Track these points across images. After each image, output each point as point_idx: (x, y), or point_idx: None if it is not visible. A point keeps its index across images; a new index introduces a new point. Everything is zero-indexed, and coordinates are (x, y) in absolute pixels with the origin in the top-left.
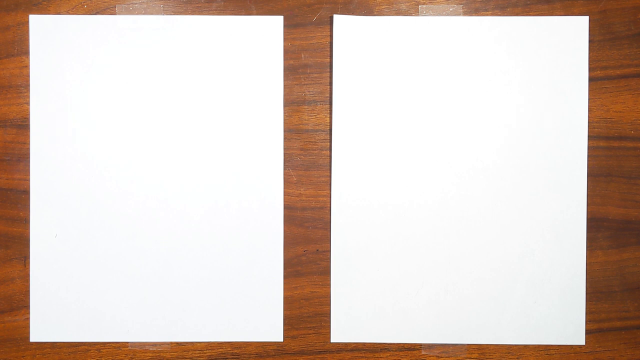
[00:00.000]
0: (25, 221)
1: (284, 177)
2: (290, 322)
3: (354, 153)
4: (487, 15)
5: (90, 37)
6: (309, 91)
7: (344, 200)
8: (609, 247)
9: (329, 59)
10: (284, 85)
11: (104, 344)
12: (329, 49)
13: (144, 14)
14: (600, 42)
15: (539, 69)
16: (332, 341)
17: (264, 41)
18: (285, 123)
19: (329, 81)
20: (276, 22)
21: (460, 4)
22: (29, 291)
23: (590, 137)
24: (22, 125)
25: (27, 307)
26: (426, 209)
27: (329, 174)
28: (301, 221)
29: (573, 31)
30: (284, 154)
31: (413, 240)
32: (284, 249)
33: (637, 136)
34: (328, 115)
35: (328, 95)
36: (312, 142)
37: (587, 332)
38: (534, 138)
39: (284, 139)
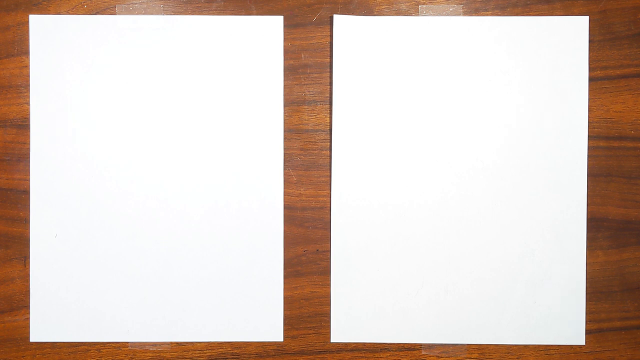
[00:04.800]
0: (25, 221)
1: (284, 177)
2: (290, 322)
3: (354, 153)
4: (487, 15)
5: (90, 37)
6: (309, 91)
7: (344, 200)
8: (609, 247)
9: (329, 59)
10: (284, 85)
11: (104, 344)
12: (329, 49)
13: (144, 14)
14: (600, 42)
15: (539, 69)
16: (332, 341)
17: (264, 41)
18: (285, 123)
19: (329, 81)
20: (276, 22)
21: (460, 4)
22: (29, 291)
23: (590, 137)
24: (22, 125)
25: (27, 307)
26: (426, 209)
27: (329, 174)
28: (301, 221)
29: (573, 31)
30: (284, 154)
31: (413, 240)
32: (284, 249)
33: (637, 136)
34: (328, 115)
35: (328, 95)
36: (312, 142)
37: (587, 332)
38: (534, 138)
39: (284, 139)
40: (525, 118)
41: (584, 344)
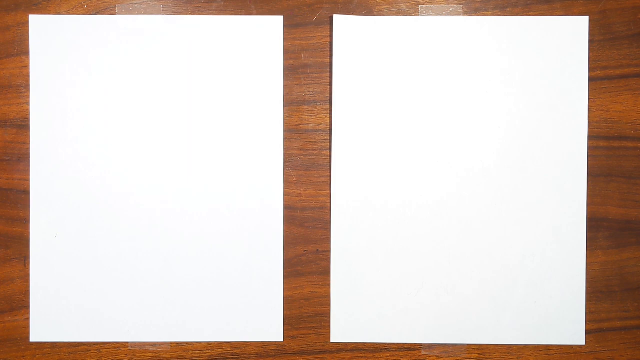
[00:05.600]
0: (25, 221)
1: (284, 177)
2: (290, 322)
3: (354, 153)
4: (487, 15)
5: (90, 37)
6: (309, 91)
7: (344, 200)
8: (609, 247)
9: (329, 59)
10: (284, 85)
11: (104, 344)
12: (329, 49)
13: (144, 14)
14: (600, 42)
15: (539, 69)
16: (332, 341)
17: (264, 41)
18: (285, 123)
19: (329, 81)
20: (276, 22)
21: (460, 4)
22: (29, 291)
23: (590, 137)
24: (22, 125)
25: (27, 307)
26: (426, 209)
27: (329, 174)
28: (301, 221)
29: (573, 31)
30: (284, 154)
31: (413, 240)
32: (284, 249)
33: (637, 136)
34: (328, 115)
35: (328, 95)
36: (312, 142)
37: (587, 332)
38: (533, 138)
39: (284, 139)
40: (525, 118)
41: (584, 344)
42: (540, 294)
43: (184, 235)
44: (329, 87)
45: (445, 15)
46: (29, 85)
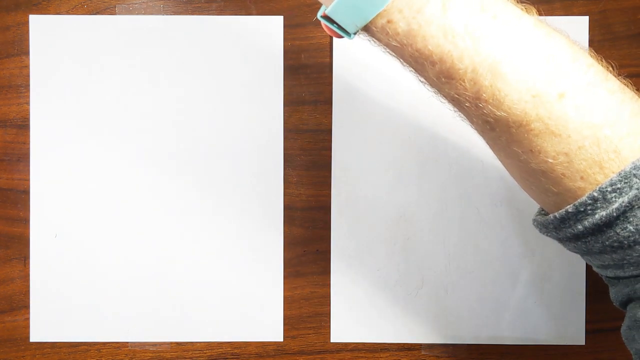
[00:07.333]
0: (25, 221)
1: (284, 177)
2: (290, 322)
3: (354, 153)
4: None
5: (90, 37)
6: (309, 91)
7: (344, 200)
8: None
9: (329, 59)
10: (284, 85)
11: (104, 344)
12: (329, 49)
13: (143, 14)
14: (600, 42)
15: None
16: (332, 341)
17: (264, 41)
18: (285, 123)
19: (329, 81)
20: (276, 22)
21: None
22: (29, 291)
23: None
24: (22, 125)
25: (27, 307)
26: (426, 208)
27: (329, 174)
28: (301, 221)
29: (573, 31)
30: (284, 154)
31: (413, 240)
32: (284, 249)
33: None
34: (328, 115)
35: (328, 95)
36: (312, 142)
37: (587, 332)
38: None
39: (284, 139)
40: None
41: (584, 344)
42: (540, 294)
43: (184, 235)
44: (329, 87)
45: None
46: (29, 85)
